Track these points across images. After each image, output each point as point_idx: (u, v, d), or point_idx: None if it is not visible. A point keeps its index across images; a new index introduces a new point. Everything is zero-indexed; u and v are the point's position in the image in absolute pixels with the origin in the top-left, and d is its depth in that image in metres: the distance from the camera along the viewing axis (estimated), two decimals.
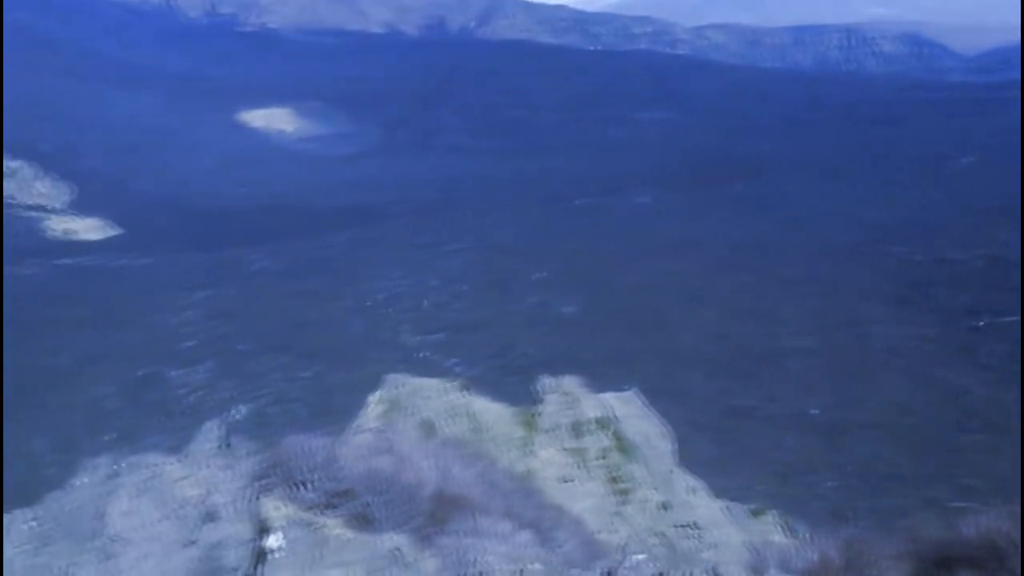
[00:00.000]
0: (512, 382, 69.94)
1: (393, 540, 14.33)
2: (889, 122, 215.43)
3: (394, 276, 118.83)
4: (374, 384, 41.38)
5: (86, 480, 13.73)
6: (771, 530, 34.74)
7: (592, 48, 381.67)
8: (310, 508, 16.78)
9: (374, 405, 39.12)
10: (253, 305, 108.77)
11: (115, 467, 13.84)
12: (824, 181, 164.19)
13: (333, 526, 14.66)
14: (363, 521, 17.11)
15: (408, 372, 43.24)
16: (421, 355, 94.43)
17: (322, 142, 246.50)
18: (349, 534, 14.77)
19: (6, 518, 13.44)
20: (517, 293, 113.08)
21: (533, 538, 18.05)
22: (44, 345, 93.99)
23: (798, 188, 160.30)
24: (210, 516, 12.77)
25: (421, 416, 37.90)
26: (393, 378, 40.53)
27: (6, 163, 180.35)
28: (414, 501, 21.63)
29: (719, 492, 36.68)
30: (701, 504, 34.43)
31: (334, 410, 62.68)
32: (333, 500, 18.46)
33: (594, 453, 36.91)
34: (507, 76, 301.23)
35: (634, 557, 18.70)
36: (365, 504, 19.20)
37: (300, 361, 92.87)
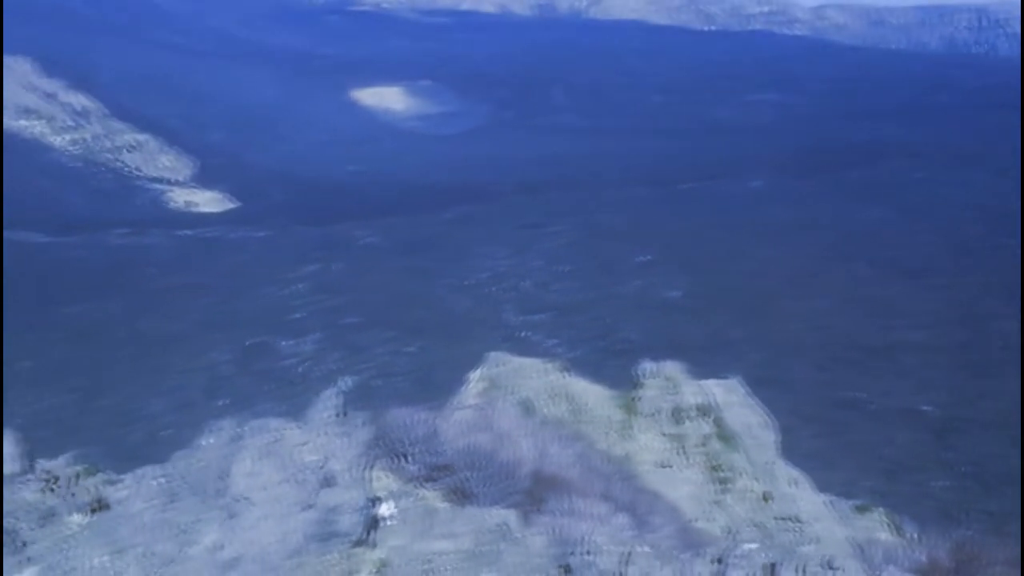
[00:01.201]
0: (613, 365, 69.46)
1: (500, 515, 14.43)
2: (1021, 108, 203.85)
3: (498, 255, 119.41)
4: (476, 362, 41.71)
5: (211, 441, 14.28)
6: (877, 528, 33.60)
7: (705, 28, 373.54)
8: (411, 480, 16.98)
9: (475, 382, 39.48)
10: (360, 280, 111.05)
11: (239, 430, 14.33)
12: (949, 169, 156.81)
13: (433, 498, 14.83)
14: (461, 495, 17.23)
15: (509, 351, 43.49)
16: (522, 335, 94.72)
17: (431, 121, 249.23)
18: (454, 507, 14.96)
19: (136, 473, 14.13)
20: (621, 276, 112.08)
21: (629, 521, 17.85)
22: (164, 311, 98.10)
23: (921, 175, 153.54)
24: (327, 481, 13.14)
25: (521, 395, 38.04)
26: (495, 356, 40.81)
27: (134, 135, 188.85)
28: (512, 478, 21.70)
29: (823, 486, 35.65)
30: (803, 497, 33.53)
31: (436, 386, 63.46)
32: (433, 473, 18.67)
33: (694, 440, 36.36)
34: (617, 56, 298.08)
35: (745, 546, 18.30)
36: (464, 479, 19.38)
37: (404, 336, 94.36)
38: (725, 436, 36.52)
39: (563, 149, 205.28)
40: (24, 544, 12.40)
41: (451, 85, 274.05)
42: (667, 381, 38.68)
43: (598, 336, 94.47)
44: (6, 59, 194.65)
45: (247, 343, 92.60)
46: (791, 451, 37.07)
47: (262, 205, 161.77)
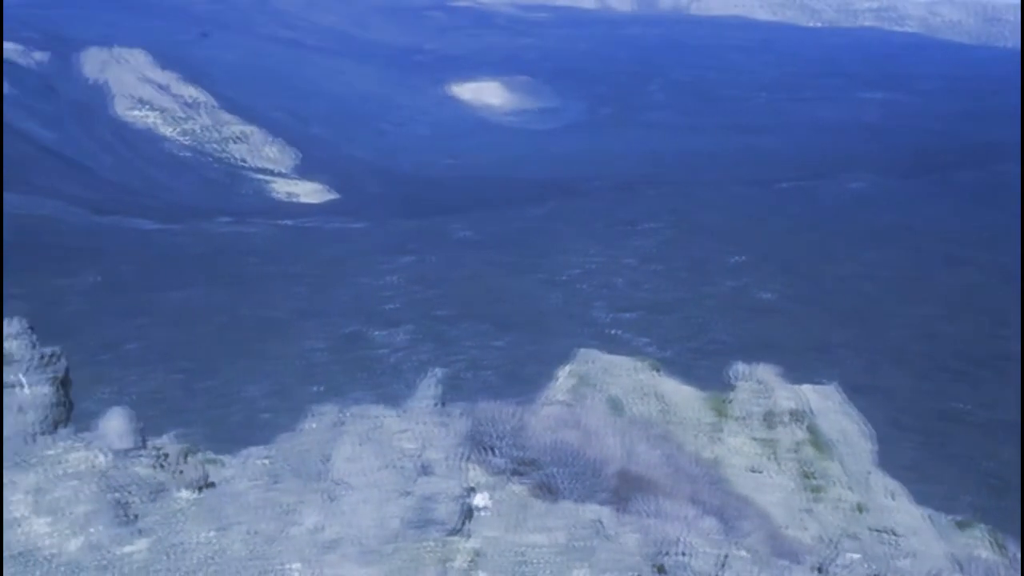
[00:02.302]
0: (704, 366, 68.58)
1: (594, 511, 14.51)
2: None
3: (590, 252, 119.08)
4: (565, 358, 41.67)
5: (313, 426, 14.78)
6: (978, 545, 32.36)
7: (812, 25, 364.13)
8: (497, 473, 17.19)
9: (564, 378, 39.43)
10: (453, 273, 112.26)
11: (340, 416, 14.81)
12: None
13: (520, 492, 15.03)
14: (546, 491, 17.36)
15: (599, 348, 43.16)
16: (612, 332, 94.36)
17: (528, 116, 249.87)
18: (547, 501, 15.14)
19: (241, 454, 14.73)
20: (714, 276, 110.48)
21: (718, 526, 17.68)
22: (263, 298, 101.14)
23: None
24: (424, 470, 13.45)
25: (610, 393, 37.87)
26: (584, 353, 40.63)
27: (241, 127, 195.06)
28: (598, 476, 21.69)
29: (921, 499, 34.52)
30: (900, 509, 32.51)
31: (524, 380, 63.84)
32: (519, 468, 18.83)
33: (786, 446, 35.61)
34: (718, 53, 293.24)
35: (848, 555, 17.90)
36: (550, 475, 19.46)
37: (494, 330, 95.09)
38: (819, 443, 35.65)
39: (660, 146, 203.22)
40: (136, 517, 13.09)
41: (548, 81, 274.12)
42: (760, 384, 37.89)
43: (689, 336, 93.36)
44: (124, 51, 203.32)
45: (342, 332, 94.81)
46: (889, 462, 35.95)
47: (360, 197, 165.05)
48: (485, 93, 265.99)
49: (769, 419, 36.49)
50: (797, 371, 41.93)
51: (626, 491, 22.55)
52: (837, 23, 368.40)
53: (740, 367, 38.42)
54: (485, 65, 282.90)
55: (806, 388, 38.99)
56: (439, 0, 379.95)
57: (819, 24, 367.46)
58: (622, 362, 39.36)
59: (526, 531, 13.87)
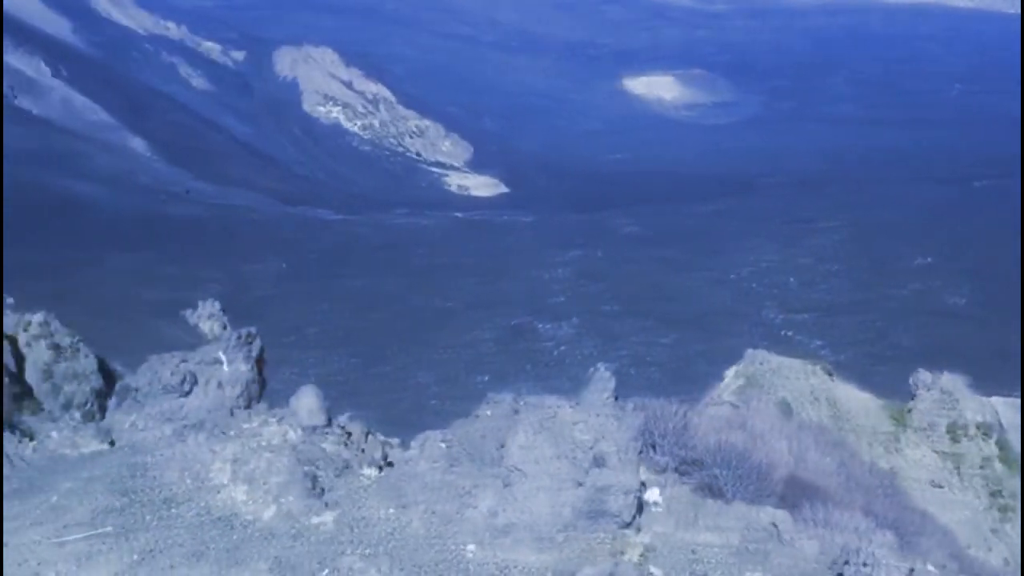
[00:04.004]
0: (882, 372, 65.47)
1: (771, 514, 14.31)
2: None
3: (762, 250, 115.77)
4: (733, 358, 40.97)
5: (489, 413, 15.33)
6: None
7: (1014, 11, 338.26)
8: (659, 472, 17.21)
9: (731, 379, 38.77)
10: (620, 268, 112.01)
11: (516, 404, 15.28)
12: None
13: (689, 491, 15.06)
14: (710, 492, 17.23)
15: (769, 350, 42.11)
16: (784, 333, 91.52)
17: (702, 110, 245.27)
18: (721, 501, 15.08)
19: (421, 436, 15.49)
20: (897, 278, 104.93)
21: (895, 540, 16.98)
22: (434, 289, 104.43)
23: None
24: (598, 461, 13.70)
25: (779, 396, 36.95)
26: (753, 354, 39.78)
27: (418, 122, 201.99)
28: (765, 480, 21.28)
29: None
30: None
31: (690, 379, 63.04)
32: (682, 467, 18.75)
33: (972, 461, 33.64)
34: (910, 42, 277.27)
35: None
36: (713, 476, 19.27)
37: (660, 327, 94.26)
38: (1009, 460, 33.42)
39: (843, 141, 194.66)
40: (323, 490, 14.07)
41: (725, 74, 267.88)
42: (944, 394, 35.88)
43: (868, 340, 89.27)
44: (313, 49, 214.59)
45: (509, 323, 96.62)
46: None
47: (530, 191, 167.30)
48: (658, 87, 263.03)
49: (953, 431, 34.56)
50: (986, 382, 39.41)
51: (794, 497, 22.02)
52: None
53: (923, 375, 36.50)
54: (659, 59, 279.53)
55: (996, 400, 36.64)
56: None
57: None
58: (793, 364, 38.26)
59: (698, 529, 13.85)
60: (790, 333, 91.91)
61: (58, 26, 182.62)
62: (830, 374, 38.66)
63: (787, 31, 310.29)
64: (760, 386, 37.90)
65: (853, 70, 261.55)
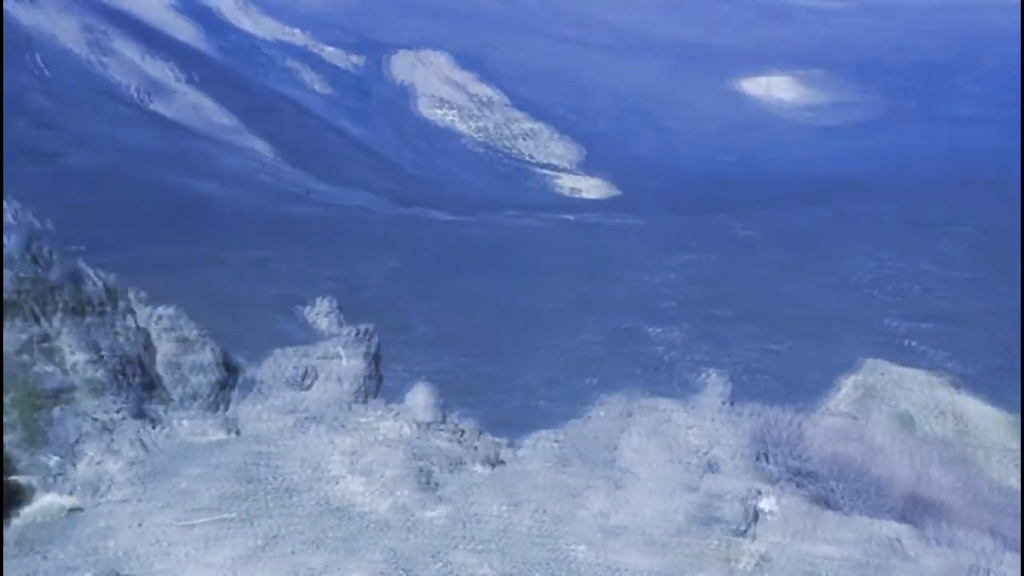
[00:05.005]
0: (1013, 387, 62.19)
1: (894, 529, 13.89)
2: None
3: (883, 256, 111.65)
4: (850, 367, 39.90)
5: (602, 414, 15.40)
6: None
7: None
8: (770, 482, 16.89)
9: (848, 389, 37.76)
10: (732, 273, 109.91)
11: (629, 406, 15.30)
12: None
13: (806, 502, 14.72)
14: (824, 505, 16.82)
15: (890, 359, 40.75)
16: (906, 343, 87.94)
17: (821, 111, 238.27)
18: (840, 513, 14.74)
19: (533, 436, 15.70)
20: None
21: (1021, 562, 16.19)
22: (543, 290, 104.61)
23: None
24: (711, 467, 13.61)
25: (900, 408, 35.72)
26: (872, 363, 38.65)
27: (529, 124, 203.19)
28: (884, 496, 20.61)
29: None
30: None
31: (804, 388, 61.33)
32: (795, 478, 18.33)
33: None
34: None
35: None
36: (828, 489, 18.77)
37: (774, 334, 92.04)
38: None
39: (971, 143, 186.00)
40: (436, 485, 14.40)
41: (845, 73, 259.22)
42: None
43: (998, 353, 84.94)
44: (428, 53, 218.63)
45: (618, 326, 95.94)
46: None
47: (641, 193, 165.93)
48: (775, 88, 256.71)
49: None
50: None
51: (915, 514, 21.24)
52: None
53: None
54: (776, 59, 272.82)
55: None
56: None
57: None
58: (916, 376, 36.87)
59: (815, 541, 13.55)
60: (913, 343, 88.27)
61: (189, 33, 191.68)
62: (956, 387, 37.14)
63: (912, 28, 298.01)
64: (880, 397, 36.78)
65: (984, 69, 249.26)
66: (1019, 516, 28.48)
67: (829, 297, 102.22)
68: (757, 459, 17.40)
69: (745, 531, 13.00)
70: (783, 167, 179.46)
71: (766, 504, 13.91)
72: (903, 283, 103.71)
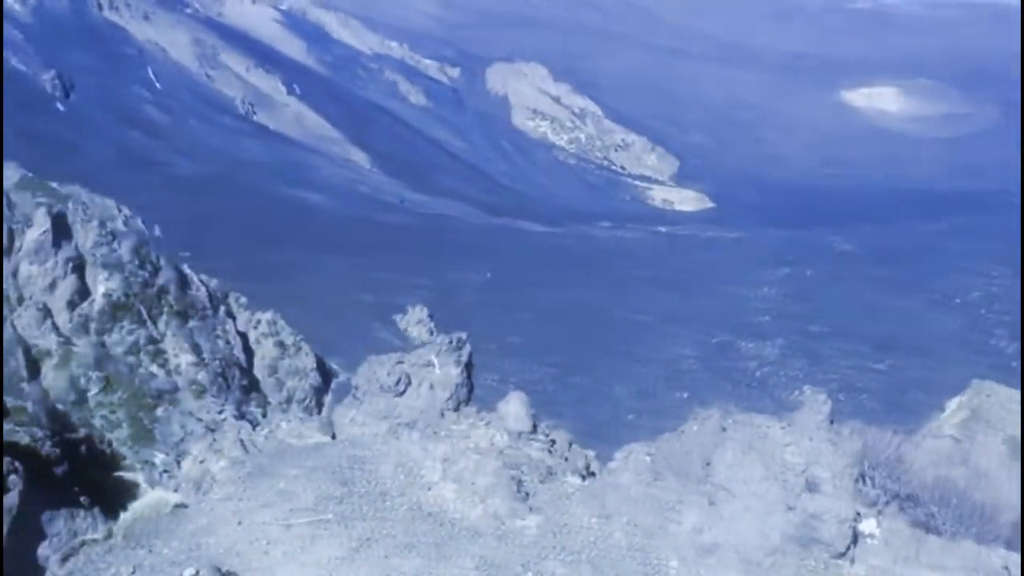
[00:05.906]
0: None
1: (1002, 556, 13.30)
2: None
3: (993, 273, 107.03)
4: (955, 388, 38.35)
5: (695, 428, 15.19)
6: None
7: None
8: (868, 504, 16.38)
9: (953, 410, 36.28)
10: (831, 288, 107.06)
11: (723, 421, 15.06)
12: None
13: (909, 526, 14.20)
14: (924, 531, 16.21)
15: (998, 381, 39.00)
16: (1014, 364, 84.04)
17: (929, 123, 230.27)
18: (945, 539, 14.16)
19: (625, 448, 15.60)
20: None
21: None
22: (634, 302, 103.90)
23: None
24: (810, 486, 13.26)
25: (1008, 432, 34.10)
26: (979, 384, 37.03)
27: (623, 136, 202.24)
28: (989, 523, 19.74)
29: None
30: None
31: (906, 408, 59.33)
32: (895, 501, 17.71)
33: None
34: None
35: None
36: (930, 514, 18.08)
37: (874, 352, 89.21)
38: None
39: None
40: (528, 495, 14.43)
41: (956, 84, 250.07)
42: None
43: None
44: (524, 65, 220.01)
45: (710, 340, 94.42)
46: None
47: (737, 206, 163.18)
48: (880, 99, 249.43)
49: None
50: None
51: (1020, 542, 20.27)
52: None
53: None
54: (881, 69, 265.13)
55: None
56: (836, 2, 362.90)
57: None
58: None
59: (919, 566, 13.06)
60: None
61: (294, 47, 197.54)
62: None
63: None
64: (986, 420, 35.24)
65: None
66: None
67: (934, 315, 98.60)
68: (857, 480, 16.89)
69: (844, 553, 12.61)
70: (888, 180, 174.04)
71: (867, 526, 13.44)
72: (1014, 302, 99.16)
